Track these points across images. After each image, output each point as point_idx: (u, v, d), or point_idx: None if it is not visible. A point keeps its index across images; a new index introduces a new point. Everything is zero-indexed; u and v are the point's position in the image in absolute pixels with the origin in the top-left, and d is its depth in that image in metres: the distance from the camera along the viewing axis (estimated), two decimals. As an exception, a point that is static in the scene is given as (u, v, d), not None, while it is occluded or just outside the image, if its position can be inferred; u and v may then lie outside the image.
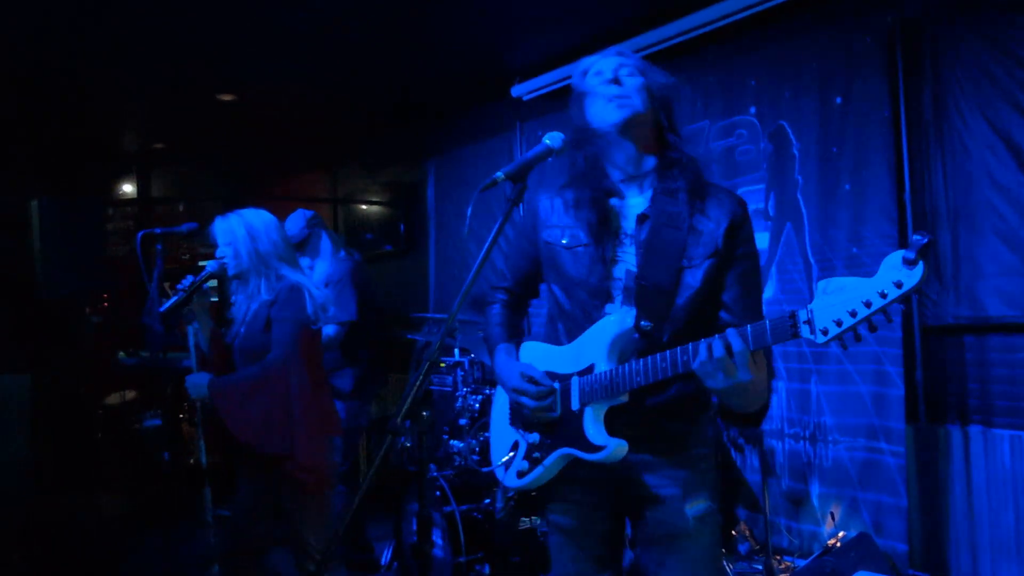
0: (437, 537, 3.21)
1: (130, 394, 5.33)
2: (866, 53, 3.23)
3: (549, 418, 1.69)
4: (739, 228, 1.65)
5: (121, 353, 5.24)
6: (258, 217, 2.69)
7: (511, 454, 1.80)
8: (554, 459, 1.68)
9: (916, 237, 1.21)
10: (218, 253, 2.67)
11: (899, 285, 1.22)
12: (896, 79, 3.16)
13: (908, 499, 3.09)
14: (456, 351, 4.08)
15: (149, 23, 3.86)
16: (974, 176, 3.00)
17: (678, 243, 1.62)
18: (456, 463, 3.58)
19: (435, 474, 3.31)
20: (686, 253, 1.62)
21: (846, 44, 3.31)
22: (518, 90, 4.68)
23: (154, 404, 5.04)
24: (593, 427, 1.62)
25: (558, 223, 1.76)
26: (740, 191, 3.70)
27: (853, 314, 1.27)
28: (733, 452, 3.60)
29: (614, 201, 1.71)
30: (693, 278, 1.62)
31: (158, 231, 3.06)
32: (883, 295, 1.24)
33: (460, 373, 3.97)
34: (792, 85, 3.51)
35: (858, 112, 3.26)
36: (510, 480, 1.80)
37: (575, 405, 1.65)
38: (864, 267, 3.23)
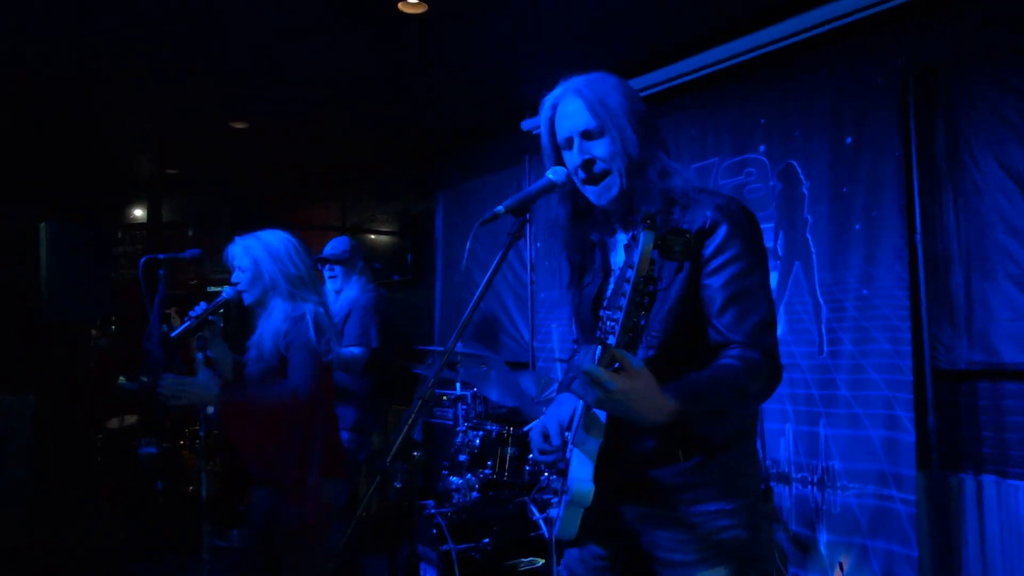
0: (433, 577, 3.13)
1: (130, 419, 5.29)
2: (878, 94, 3.21)
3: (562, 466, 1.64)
4: (708, 234, 1.48)
5: (122, 378, 5.22)
6: (279, 239, 2.53)
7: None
8: (563, 507, 1.59)
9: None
10: (234, 278, 2.52)
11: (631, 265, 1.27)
12: (908, 120, 3.13)
13: (920, 549, 2.99)
14: (458, 384, 4.02)
15: (165, 50, 3.90)
16: (987, 219, 2.96)
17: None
18: (455, 500, 3.50)
19: (432, 511, 3.23)
20: (661, 274, 1.48)
21: (858, 84, 3.29)
22: (528, 124, 4.69)
23: (152, 431, 4.99)
24: (577, 469, 1.53)
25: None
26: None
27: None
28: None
29: (608, 237, 1.67)
30: (665, 298, 1.49)
31: (161, 257, 3.03)
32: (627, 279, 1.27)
33: (462, 408, 3.91)
34: (802, 124, 3.49)
35: (870, 152, 3.23)
36: (555, 529, 1.73)
37: (570, 449, 1.60)
38: (875, 309, 3.17)
